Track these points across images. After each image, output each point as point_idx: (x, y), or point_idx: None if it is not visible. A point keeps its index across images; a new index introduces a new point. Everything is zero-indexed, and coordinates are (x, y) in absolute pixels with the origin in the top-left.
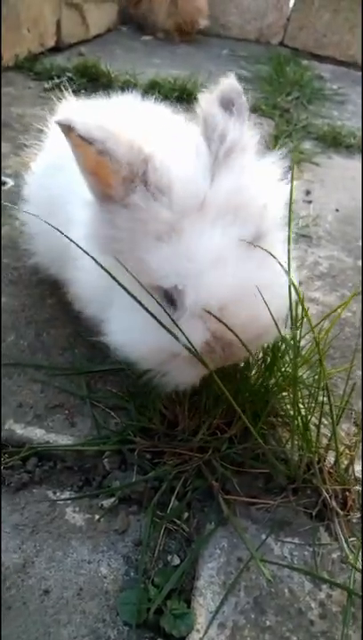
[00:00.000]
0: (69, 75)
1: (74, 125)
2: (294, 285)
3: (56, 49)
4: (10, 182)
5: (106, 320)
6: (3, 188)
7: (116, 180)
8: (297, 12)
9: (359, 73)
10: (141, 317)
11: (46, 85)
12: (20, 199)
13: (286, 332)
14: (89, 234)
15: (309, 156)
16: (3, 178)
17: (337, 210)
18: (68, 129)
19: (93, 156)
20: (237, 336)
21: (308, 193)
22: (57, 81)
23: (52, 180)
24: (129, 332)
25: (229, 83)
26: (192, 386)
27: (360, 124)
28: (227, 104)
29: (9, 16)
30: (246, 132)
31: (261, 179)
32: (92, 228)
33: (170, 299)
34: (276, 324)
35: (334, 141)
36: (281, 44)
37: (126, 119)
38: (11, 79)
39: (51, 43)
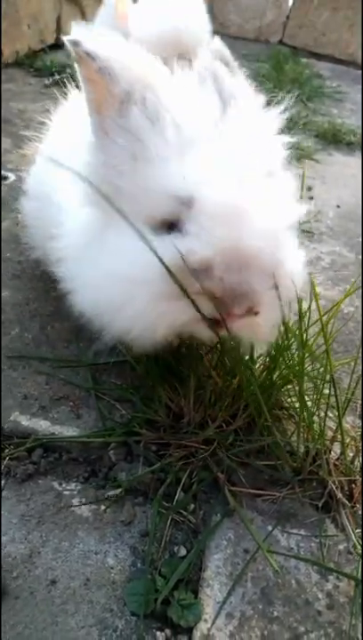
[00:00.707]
0: (70, 71)
1: (80, 40)
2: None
3: (56, 45)
4: (12, 177)
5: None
6: (4, 182)
7: (110, 101)
8: (296, 11)
9: (359, 71)
10: (129, 248)
11: (47, 82)
12: (21, 193)
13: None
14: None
15: (309, 153)
16: (5, 172)
17: (338, 206)
18: (75, 44)
19: (96, 77)
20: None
21: (309, 189)
22: (57, 77)
23: (51, 172)
24: (114, 266)
25: (216, 43)
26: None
27: (360, 122)
28: (224, 62)
29: (9, 12)
30: (246, 85)
31: (266, 123)
32: (84, 172)
33: (169, 224)
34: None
35: (335, 138)
36: (280, 42)
37: None
38: (11, 75)
39: (51, 39)
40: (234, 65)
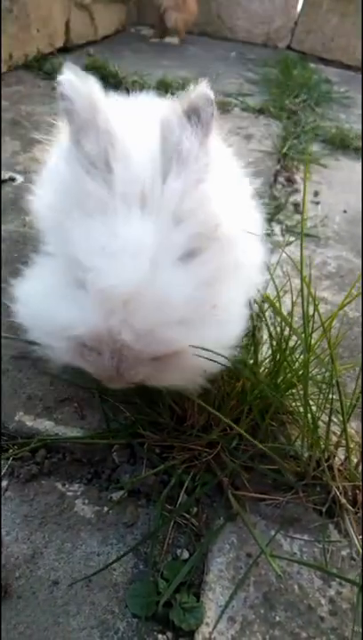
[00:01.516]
0: None
1: (61, 80)
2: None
3: (65, 49)
4: (20, 179)
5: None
6: (13, 184)
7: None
8: (305, 16)
9: None
10: (53, 284)
11: (55, 84)
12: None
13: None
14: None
15: (316, 158)
16: (13, 174)
17: (345, 211)
18: (58, 83)
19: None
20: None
21: (316, 194)
22: None
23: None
24: (35, 295)
25: (200, 90)
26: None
27: None
28: (191, 112)
29: (19, 16)
30: (209, 144)
31: (220, 194)
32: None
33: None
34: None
35: (342, 143)
36: (289, 47)
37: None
38: (21, 78)
39: (60, 43)
40: (207, 113)
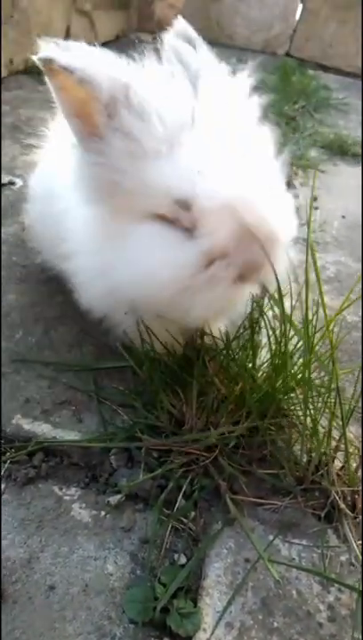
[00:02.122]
0: None
1: (54, 57)
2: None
3: None
4: (19, 182)
5: (108, 266)
6: (12, 188)
7: (97, 107)
8: (304, 23)
9: None
10: (151, 246)
11: None
12: (25, 200)
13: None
14: (78, 178)
15: (315, 164)
16: (12, 178)
17: (343, 216)
18: (48, 62)
19: (74, 88)
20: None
21: (315, 199)
22: None
23: (53, 177)
24: (140, 265)
25: (182, 26)
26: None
27: None
28: (187, 40)
29: (20, 21)
30: (209, 59)
31: (235, 94)
32: (79, 172)
33: (174, 217)
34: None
35: (340, 149)
36: (287, 54)
37: None
38: (21, 82)
39: None
40: (196, 40)
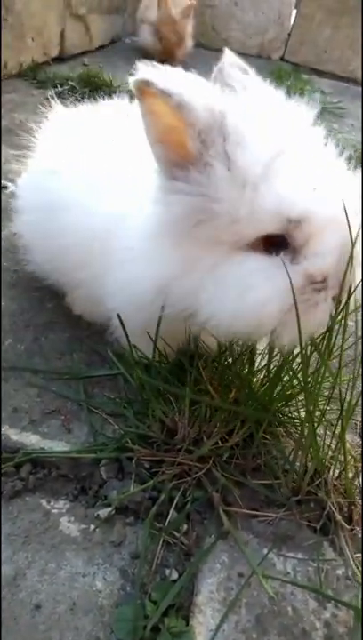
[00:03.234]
0: (72, 83)
1: (152, 79)
2: None
3: (60, 59)
4: (11, 187)
5: (192, 300)
6: (5, 192)
7: (191, 134)
8: (298, 28)
9: (359, 88)
10: (257, 278)
11: (49, 93)
12: (13, 211)
13: None
14: (155, 205)
15: None
16: (4, 182)
17: None
18: (145, 84)
19: (167, 113)
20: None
21: None
22: (60, 89)
23: (49, 184)
24: (248, 299)
25: (233, 57)
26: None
27: (360, 137)
28: (242, 70)
29: (14, 25)
30: (268, 88)
31: (301, 116)
32: (160, 199)
33: (275, 243)
34: None
35: None
36: (282, 59)
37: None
38: (15, 86)
39: (55, 52)
40: (247, 69)
